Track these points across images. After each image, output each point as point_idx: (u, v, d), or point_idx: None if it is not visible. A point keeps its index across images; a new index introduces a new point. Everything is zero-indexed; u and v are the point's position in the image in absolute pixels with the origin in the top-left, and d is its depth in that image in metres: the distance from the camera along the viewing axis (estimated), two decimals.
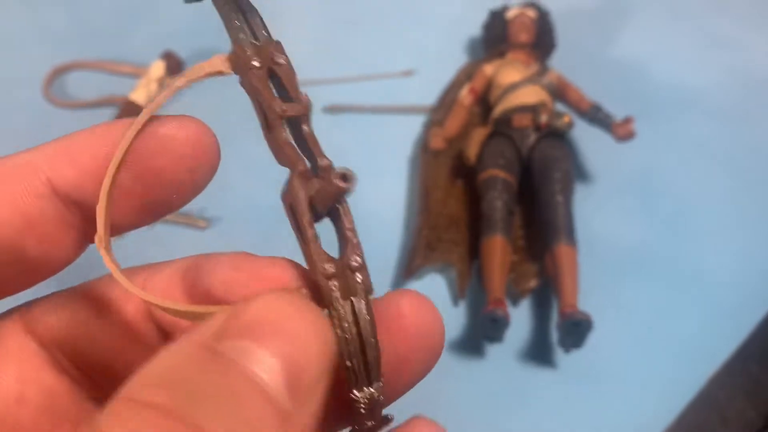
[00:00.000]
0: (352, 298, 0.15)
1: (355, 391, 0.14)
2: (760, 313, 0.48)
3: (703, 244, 0.52)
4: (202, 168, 0.16)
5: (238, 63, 0.15)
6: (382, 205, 0.53)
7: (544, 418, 0.45)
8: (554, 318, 0.47)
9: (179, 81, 0.15)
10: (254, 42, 0.15)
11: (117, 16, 0.66)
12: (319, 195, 0.15)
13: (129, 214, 0.16)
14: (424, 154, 0.55)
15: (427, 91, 0.60)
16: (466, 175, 0.54)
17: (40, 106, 0.60)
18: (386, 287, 0.50)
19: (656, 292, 0.50)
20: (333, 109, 0.59)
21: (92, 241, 0.16)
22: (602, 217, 0.53)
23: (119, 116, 0.58)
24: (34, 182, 0.15)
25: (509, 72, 0.55)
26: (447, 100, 0.59)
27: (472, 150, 0.53)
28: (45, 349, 0.16)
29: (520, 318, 0.48)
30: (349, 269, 0.15)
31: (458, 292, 0.49)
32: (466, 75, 0.60)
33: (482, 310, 0.45)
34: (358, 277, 0.15)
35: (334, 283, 0.14)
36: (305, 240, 0.15)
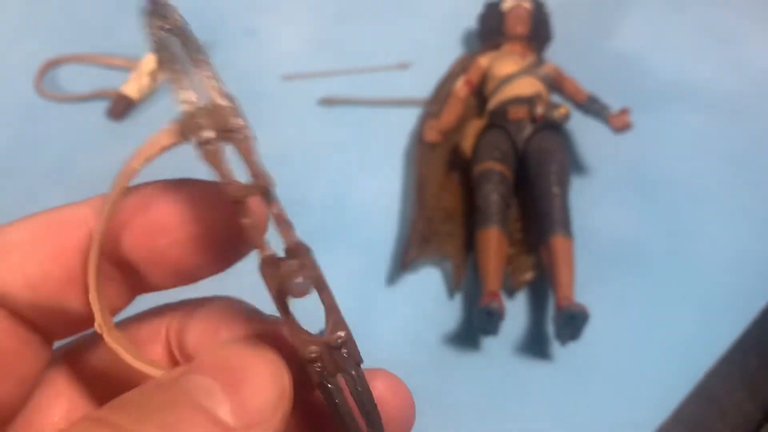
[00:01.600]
0: (341, 373, 0.15)
1: None
2: (758, 305, 0.48)
3: (701, 236, 0.52)
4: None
5: (186, 132, 0.13)
6: (377, 198, 0.53)
7: (540, 411, 0.44)
8: (551, 311, 0.46)
9: (135, 162, 0.14)
10: (204, 105, 0.14)
11: (109, 9, 0.66)
12: (284, 288, 0.14)
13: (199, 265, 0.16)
14: (420, 146, 0.55)
15: (423, 83, 0.60)
16: (461, 167, 0.54)
17: (32, 99, 0.59)
18: (382, 280, 0.49)
19: (653, 285, 0.49)
20: (328, 102, 0.59)
21: (138, 293, 0.16)
22: (598, 209, 0.52)
23: (111, 109, 0.58)
24: (78, 236, 0.15)
25: (505, 63, 0.55)
26: (442, 92, 0.58)
27: (467, 142, 0.53)
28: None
29: (516, 311, 0.48)
30: (334, 348, 0.15)
31: (454, 284, 0.49)
32: (461, 67, 0.59)
33: (477, 303, 0.44)
34: (345, 352, 0.15)
35: (318, 365, 0.15)
36: (284, 322, 0.15)
